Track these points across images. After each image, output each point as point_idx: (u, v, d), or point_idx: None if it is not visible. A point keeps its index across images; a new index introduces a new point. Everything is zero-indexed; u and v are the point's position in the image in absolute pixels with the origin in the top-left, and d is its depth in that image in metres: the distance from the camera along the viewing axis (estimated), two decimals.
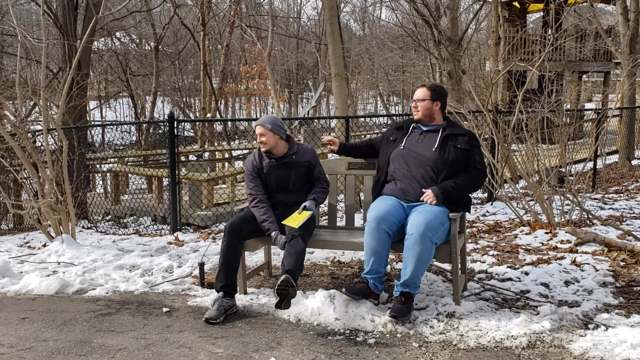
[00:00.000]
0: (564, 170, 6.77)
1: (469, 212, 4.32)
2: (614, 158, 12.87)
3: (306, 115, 17.68)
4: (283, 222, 3.90)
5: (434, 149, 3.77)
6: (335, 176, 4.46)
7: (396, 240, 3.71)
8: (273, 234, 3.94)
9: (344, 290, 3.73)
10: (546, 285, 4.12)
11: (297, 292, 3.89)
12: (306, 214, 3.92)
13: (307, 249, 3.99)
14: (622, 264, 4.50)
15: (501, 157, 6.31)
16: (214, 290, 3.89)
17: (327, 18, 7.47)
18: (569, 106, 15.82)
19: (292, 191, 4.15)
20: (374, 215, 3.65)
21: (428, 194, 3.69)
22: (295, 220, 3.88)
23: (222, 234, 4.16)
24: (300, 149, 4.21)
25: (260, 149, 4.13)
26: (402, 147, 3.89)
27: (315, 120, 13.94)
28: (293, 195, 4.14)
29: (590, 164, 8.81)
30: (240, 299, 3.98)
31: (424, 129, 3.91)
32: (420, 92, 3.92)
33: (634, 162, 12.37)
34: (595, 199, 7.68)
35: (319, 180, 4.21)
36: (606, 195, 8.02)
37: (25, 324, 3.73)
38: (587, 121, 10.24)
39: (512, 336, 3.27)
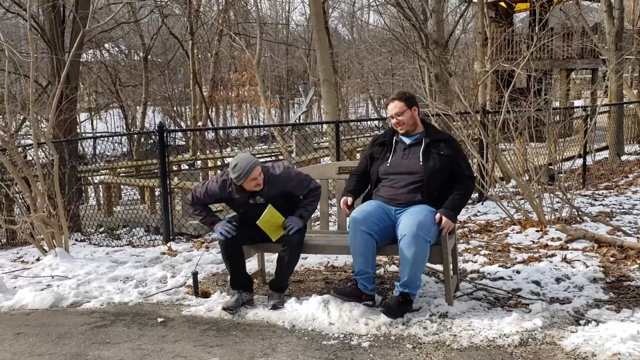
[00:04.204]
0: (553, 167, 6.83)
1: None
2: (605, 154, 12.97)
3: (297, 121, 17.73)
4: (258, 223, 3.83)
5: (420, 163, 3.78)
6: (326, 181, 4.49)
7: (386, 244, 3.76)
8: (215, 226, 3.98)
9: (332, 292, 3.80)
10: (537, 283, 4.16)
11: (292, 298, 3.97)
12: (279, 216, 3.88)
13: (301, 254, 4.05)
14: (611, 259, 4.56)
15: (490, 157, 6.36)
16: (233, 289, 4.07)
17: (314, 25, 7.53)
18: (557, 104, 15.96)
19: None
20: (352, 218, 3.75)
21: (445, 223, 3.66)
22: (270, 222, 3.87)
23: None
24: (270, 179, 3.92)
25: (230, 180, 3.90)
26: (388, 165, 3.87)
27: (307, 126, 13.99)
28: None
29: (580, 161, 8.89)
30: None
31: (407, 142, 3.89)
32: (395, 107, 3.85)
33: (623, 158, 12.46)
34: (586, 195, 7.75)
35: (306, 194, 4.03)
36: (596, 192, 8.08)
37: (20, 339, 3.73)
38: (575, 118, 10.32)
39: (504, 335, 3.30)
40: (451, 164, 3.80)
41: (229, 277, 4.08)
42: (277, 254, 4.06)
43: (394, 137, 3.95)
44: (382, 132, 4.18)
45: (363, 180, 4.05)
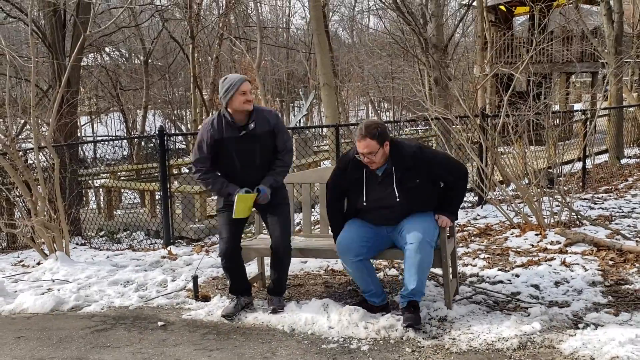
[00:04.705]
0: (553, 171, 6.84)
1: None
2: (604, 157, 12.99)
3: (298, 124, 17.77)
4: (234, 217, 3.82)
5: (397, 199, 3.67)
6: (325, 184, 4.50)
7: (386, 248, 3.79)
8: (234, 192, 3.84)
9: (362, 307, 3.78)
10: (536, 286, 4.18)
11: (292, 302, 3.99)
12: (252, 197, 3.83)
13: (300, 258, 4.07)
14: (610, 263, 4.57)
15: (490, 161, 6.38)
16: (232, 294, 4.08)
17: (314, 29, 7.56)
18: (557, 107, 15.98)
19: (260, 169, 3.94)
20: (338, 250, 3.75)
21: (443, 221, 3.69)
22: (244, 209, 3.82)
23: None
24: (259, 110, 3.90)
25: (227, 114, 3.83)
26: (365, 203, 3.74)
27: (307, 130, 14.01)
28: (261, 171, 3.93)
29: (579, 164, 8.90)
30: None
31: (379, 174, 3.72)
32: (367, 146, 3.59)
33: (623, 161, 12.48)
34: (585, 199, 7.76)
35: (282, 151, 3.96)
36: (596, 195, 8.09)
37: (20, 343, 3.74)
38: (575, 122, 10.34)
39: (503, 338, 3.32)
40: (433, 179, 3.72)
41: (228, 282, 4.09)
42: (271, 257, 4.04)
43: (364, 170, 3.74)
44: (345, 159, 3.85)
45: (342, 209, 3.96)
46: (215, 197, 4.14)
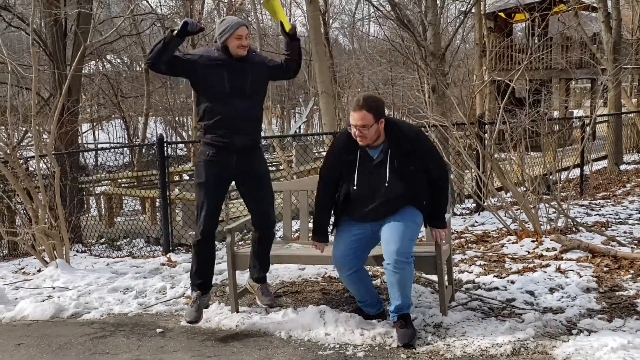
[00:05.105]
0: (552, 177, 6.88)
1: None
2: (604, 163, 13.03)
3: (297, 132, 17.84)
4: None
5: (386, 184, 3.54)
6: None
7: (374, 245, 3.78)
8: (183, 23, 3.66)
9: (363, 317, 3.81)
10: (531, 293, 4.21)
11: (289, 308, 4.04)
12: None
13: (298, 265, 4.10)
14: (605, 269, 4.60)
15: (487, 169, 6.43)
16: (191, 287, 3.93)
17: (312, 39, 7.64)
18: (557, 113, 16.04)
19: (249, 99, 3.78)
20: (334, 262, 3.69)
21: (439, 235, 3.67)
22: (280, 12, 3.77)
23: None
24: (253, 53, 3.88)
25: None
26: (355, 187, 3.61)
27: (307, 137, 14.08)
28: (251, 104, 3.80)
29: (577, 171, 8.95)
30: (233, 318, 4.06)
31: (373, 156, 3.59)
32: (361, 118, 3.44)
33: (622, 167, 12.52)
34: (583, 205, 7.80)
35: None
36: (593, 202, 8.13)
37: (21, 350, 3.79)
38: (573, 128, 10.39)
39: (497, 344, 3.35)
40: (424, 171, 3.59)
41: (194, 270, 3.92)
42: (253, 237, 3.99)
43: (359, 151, 3.60)
44: (340, 140, 3.69)
45: (331, 205, 3.80)
46: None
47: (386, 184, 3.53)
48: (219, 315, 4.12)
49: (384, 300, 4.14)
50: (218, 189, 3.85)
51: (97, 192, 11.24)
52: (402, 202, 3.60)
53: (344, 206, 3.73)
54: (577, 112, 20.33)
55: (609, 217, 6.82)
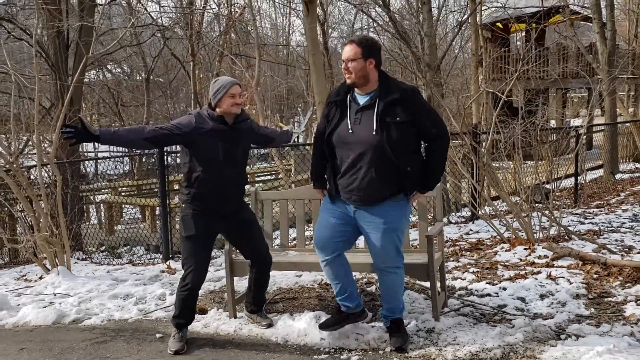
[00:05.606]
0: (542, 186, 6.99)
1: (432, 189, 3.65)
2: (600, 172, 13.15)
3: (296, 141, 17.94)
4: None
5: (374, 132, 3.30)
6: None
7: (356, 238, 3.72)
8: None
9: (319, 329, 3.74)
10: (522, 299, 4.32)
11: (285, 314, 4.15)
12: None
13: (295, 272, 4.19)
14: (595, 276, 4.71)
15: (482, 178, 6.54)
16: (175, 326, 3.90)
17: (309, 50, 7.76)
18: (553, 123, 16.16)
19: (240, 166, 3.87)
20: (316, 245, 3.62)
21: (416, 198, 3.56)
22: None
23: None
24: (244, 113, 3.89)
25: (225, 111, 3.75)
26: (339, 134, 3.41)
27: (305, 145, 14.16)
28: (241, 170, 3.88)
29: (572, 180, 9.06)
30: (230, 323, 4.16)
31: (360, 102, 3.40)
32: (350, 51, 3.30)
33: (617, 176, 12.63)
34: (577, 213, 7.90)
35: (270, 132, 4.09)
36: (587, 210, 8.24)
37: (23, 355, 3.88)
38: (568, 138, 10.51)
39: (487, 349, 3.45)
40: (415, 128, 3.35)
41: (174, 314, 3.91)
42: (250, 277, 4.11)
43: (349, 95, 3.44)
44: (333, 93, 3.57)
45: (326, 158, 3.59)
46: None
47: (374, 132, 3.29)
48: (217, 321, 4.22)
49: (378, 306, 4.24)
50: (206, 242, 3.85)
51: (97, 200, 11.34)
52: (388, 168, 3.33)
53: (332, 163, 3.51)
54: (573, 122, 20.47)
55: (602, 225, 6.92)
